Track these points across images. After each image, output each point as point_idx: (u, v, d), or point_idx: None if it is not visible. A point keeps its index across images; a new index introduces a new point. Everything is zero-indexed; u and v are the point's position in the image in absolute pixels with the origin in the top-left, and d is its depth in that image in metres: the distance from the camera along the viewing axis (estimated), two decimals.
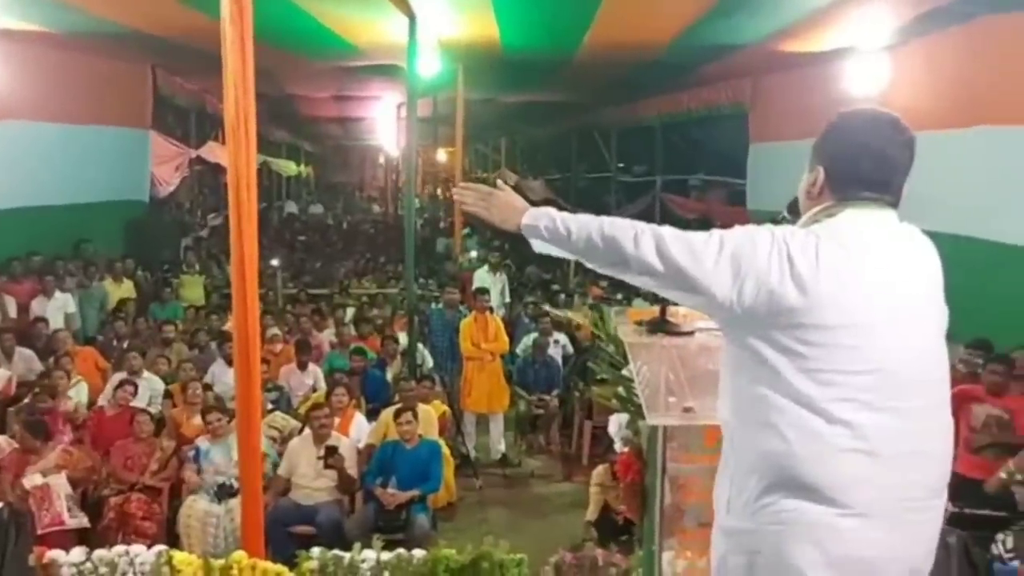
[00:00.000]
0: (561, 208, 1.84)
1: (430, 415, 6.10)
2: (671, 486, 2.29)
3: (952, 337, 1.76)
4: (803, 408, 1.58)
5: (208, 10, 6.63)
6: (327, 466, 5.19)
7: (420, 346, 7.43)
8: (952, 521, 3.61)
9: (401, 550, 3.75)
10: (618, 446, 2.59)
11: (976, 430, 4.69)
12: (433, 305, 8.93)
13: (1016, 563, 3.43)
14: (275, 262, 11.50)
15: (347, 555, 3.68)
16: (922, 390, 1.64)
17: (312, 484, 5.23)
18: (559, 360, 8.03)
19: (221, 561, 3.48)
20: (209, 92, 13.56)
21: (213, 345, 7.53)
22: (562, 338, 8.33)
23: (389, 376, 7.27)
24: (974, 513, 3.88)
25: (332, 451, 5.19)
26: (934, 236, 1.77)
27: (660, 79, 11.60)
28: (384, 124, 18.82)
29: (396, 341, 7.71)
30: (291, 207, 24.58)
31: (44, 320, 7.55)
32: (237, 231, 3.56)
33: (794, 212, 1.85)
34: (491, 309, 8.07)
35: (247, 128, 3.54)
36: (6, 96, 8.24)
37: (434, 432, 6.00)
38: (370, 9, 7.40)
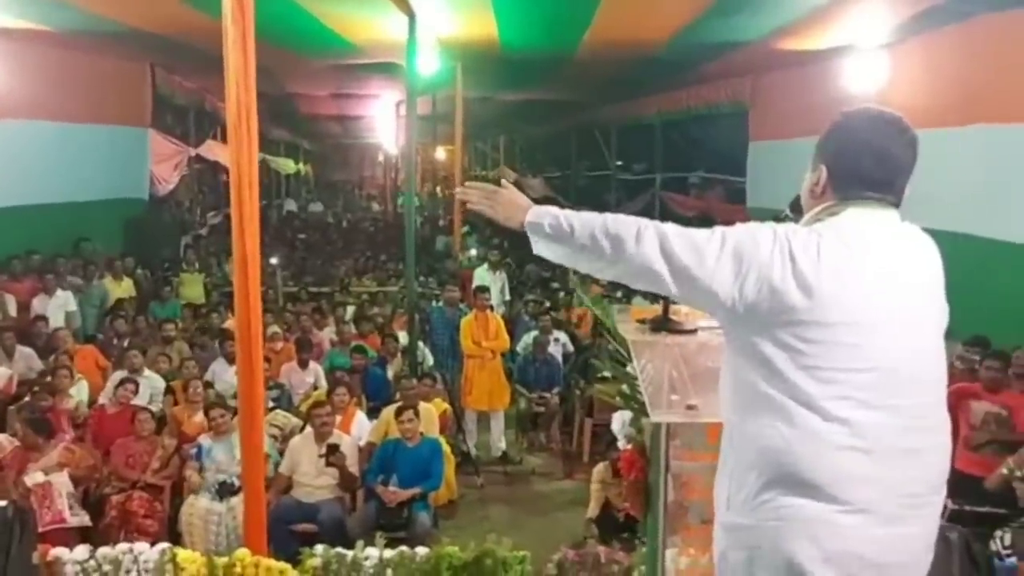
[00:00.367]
0: (561, 207, 1.85)
1: (431, 413, 6.12)
2: (674, 483, 2.31)
3: (949, 335, 1.78)
4: (801, 405, 1.59)
5: (207, 8, 6.65)
6: (329, 464, 5.21)
7: (421, 344, 7.44)
8: (951, 518, 3.63)
9: (404, 547, 3.76)
10: (621, 443, 2.60)
11: (975, 427, 4.71)
12: (434, 303, 8.94)
13: (1014, 559, 3.45)
14: (275, 260, 11.51)
15: (350, 553, 3.69)
16: (920, 388, 1.65)
17: (314, 482, 5.25)
18: (559, 358, 8.05)
19: (225, 559, 3.49)
20: (208, 90, 13.57)
21: (216, 343, 7.54)
22: (562, 336, 8.35)
23: (390, 374, 7.28)
24: (973, 510, 3.90)
25: (334, 449, 5.20)
26: (931, 234, 1.78)
27: (659, 77, 11.61)
28: (383, 122, 18.82)
29: (396, 339, 7.73)
30: (290, 205, 24.58)
31: (44, 318, 7.56)
32: (239, 229, 3.57)
33: (796, 210, 1.86)
34: (491, 307, 8.08)
35: (249, 126, 3.55)
36: (5, 95, 8.24)
37: (435, 430, 6.02)
38: (370, 7, 7.41)
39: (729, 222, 1.72)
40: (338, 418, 5.71)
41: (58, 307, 8.02)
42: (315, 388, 6.89)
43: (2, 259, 8.37)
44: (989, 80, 6.17)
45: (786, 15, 7.08)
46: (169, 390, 6.55)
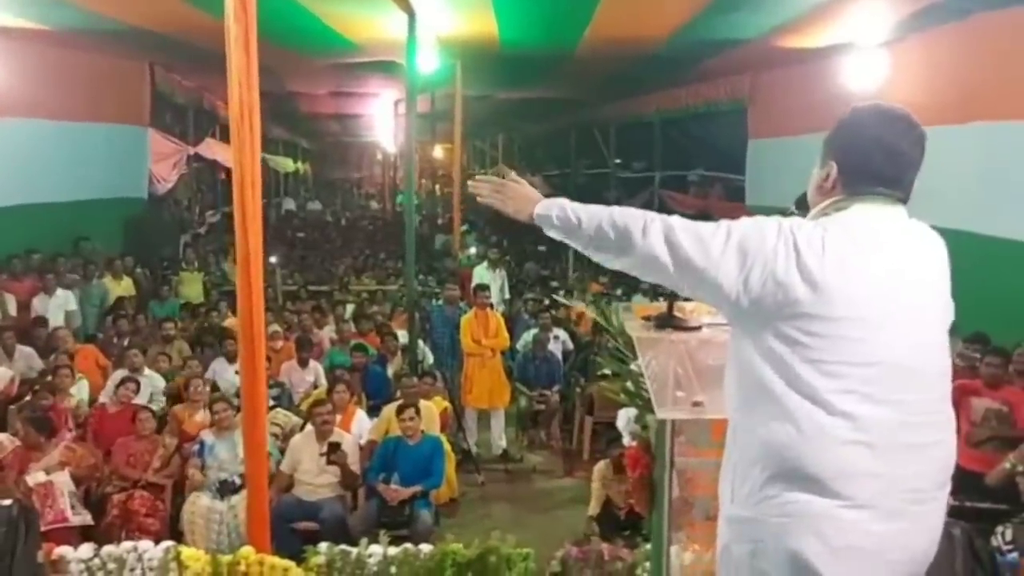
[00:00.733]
0: None
1: (432, 411, 6.12)
2: (679, 480, 2.31)
3: (951, 332, 1.78)
4: (806, 399, 1.59)
5: (207, 7, 6.65)
6: (330, 462, 5.20)
7: (421, 342, 7.45)
8: (951, 514, 3.62)
9: (408, 545, 3.77)
10: (626, 440, 2.61)
11: (976, 424, 4.72)
12: (434, 302, 8.95)
13: (1016, 555, 3.46)
14: (274, 259, 11.51)
15: (354, 550, 3.70)
16: (924, 384, 1.65)
17: (315, 480, 5.25)
18: (559, 356, 8.06)
19: (229, 557, 3.50)
20: (207, 89, 13.55)
21: (216, 342, 7.55)
22: (562, 334, 8.36)
23: (390, 372, 7.29)
24: (974, 506, 3.91)
25: (335, 447, 5.20)
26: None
27: (659, 75, 11.61)
28: (381, 120, 18.80)
29: (396, 338, 7.74)
30: (289, 204, 24.58)
31: (44, 318, 7.55)
32: (242, 227, 3.57)
33: (802, 207, 1.87)
34: (491, 305, 8.09)
35: (251, 125, 3.55)
36: (4, 93, 8.22)
37: (436, 428, 6.02)
38: (370, 6, 7.40)
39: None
40: (338, 416, 5.71)
41: (58, 306, 8.01)
42: (315, 387, 6.89)
43: (2, 258, 8.36)
44: (989, 77, 6.18)
45: (786, 12, 7.08)
46: (170, 389, 6.54)
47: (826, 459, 1.58)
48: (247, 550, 3.51)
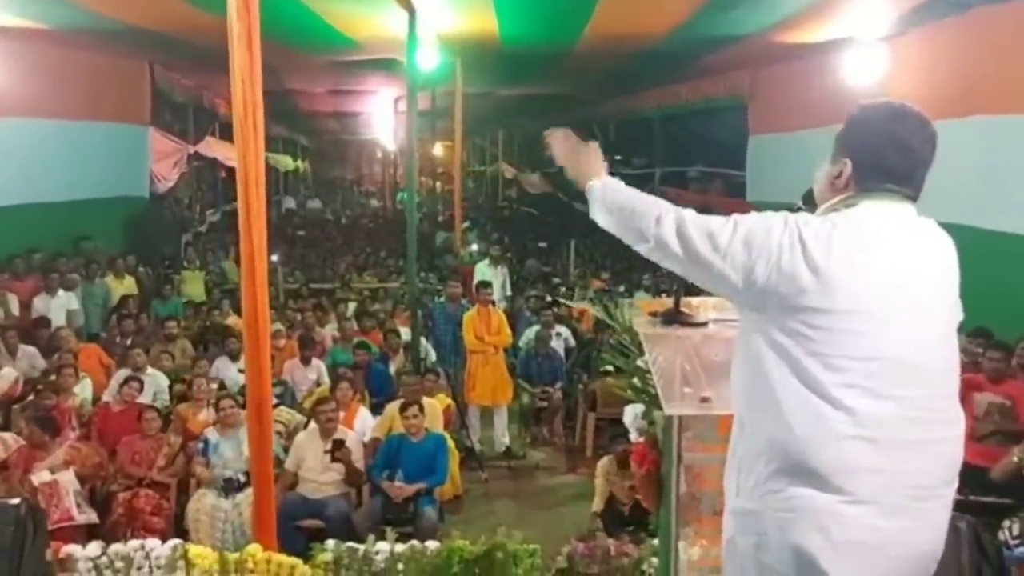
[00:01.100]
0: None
1: (435, 408, 6.13)
2: (686, 475, 2.32)
3: None
4: (811, 392, 1.60)
5: (207, 6, 6.65)
6: (334, 460, 5.21)
7: (423, 340, 7.45)
8: (957, 508, 3.63)
9: (414, 541, 3.78)
10: (633, 436, 2.62)
11: (979, 419, 4.72)
12: (436, 299, 8.96)
13: (1022, 549, 3.46)
14: (275, 257, 11.51)
15: (361, 547, 3.70)
16: (928, 380, 1.66)
17: (319, 478, 5.26)
18: (561, 352, 8.07)
19: (236, 554, 3.50)
20: (206, 87, 13.54)
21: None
22: (564, 331, 8.37)
23: (392, 370, 7.30)
24: (979, 500, 3.91)
25: (339, 445, 5.21)
26: None
27: (659, 71, 11.61)
28: (381, 118, 18.79)
29: (398, 335, 7.74)
30: (289, 202, 24.56)
31: (46, 318, 7.55)
32: (246, 225, 3.56)
33: (810, 202, 1.88)
34: (494, 302, 8.09)
35: (255, 123, 3.54)
36: (4, 93, 8.22)
37: (439, 425, 6.03)
38: (370, 4, 7.40)
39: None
40: (342, 414, 5.72)
41: (60, 306, 8.02)
42: (318, 385, 6.90)
43: (3, 258, 8.36)
44: (988, 72, 6.18)
45: (785, 8, 7.09)
46: (174, 388, 6.55)
47: (828, 454, 1.59)
48: (254, 547, 3.52)
